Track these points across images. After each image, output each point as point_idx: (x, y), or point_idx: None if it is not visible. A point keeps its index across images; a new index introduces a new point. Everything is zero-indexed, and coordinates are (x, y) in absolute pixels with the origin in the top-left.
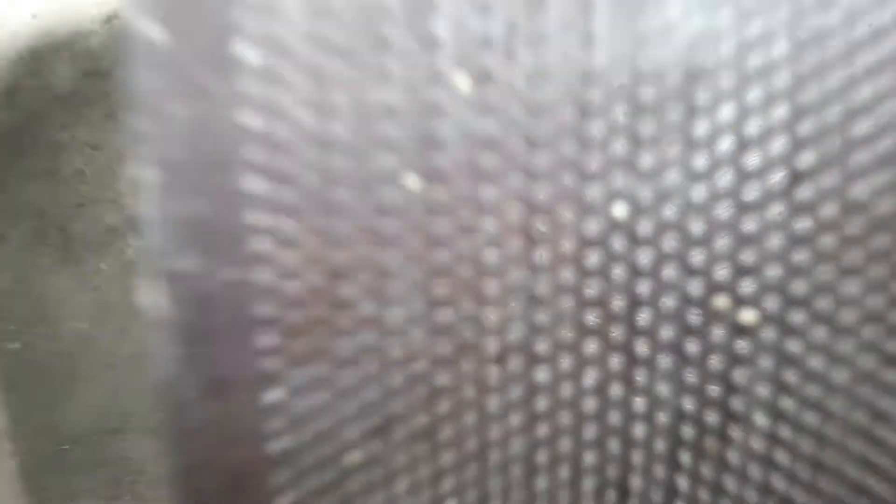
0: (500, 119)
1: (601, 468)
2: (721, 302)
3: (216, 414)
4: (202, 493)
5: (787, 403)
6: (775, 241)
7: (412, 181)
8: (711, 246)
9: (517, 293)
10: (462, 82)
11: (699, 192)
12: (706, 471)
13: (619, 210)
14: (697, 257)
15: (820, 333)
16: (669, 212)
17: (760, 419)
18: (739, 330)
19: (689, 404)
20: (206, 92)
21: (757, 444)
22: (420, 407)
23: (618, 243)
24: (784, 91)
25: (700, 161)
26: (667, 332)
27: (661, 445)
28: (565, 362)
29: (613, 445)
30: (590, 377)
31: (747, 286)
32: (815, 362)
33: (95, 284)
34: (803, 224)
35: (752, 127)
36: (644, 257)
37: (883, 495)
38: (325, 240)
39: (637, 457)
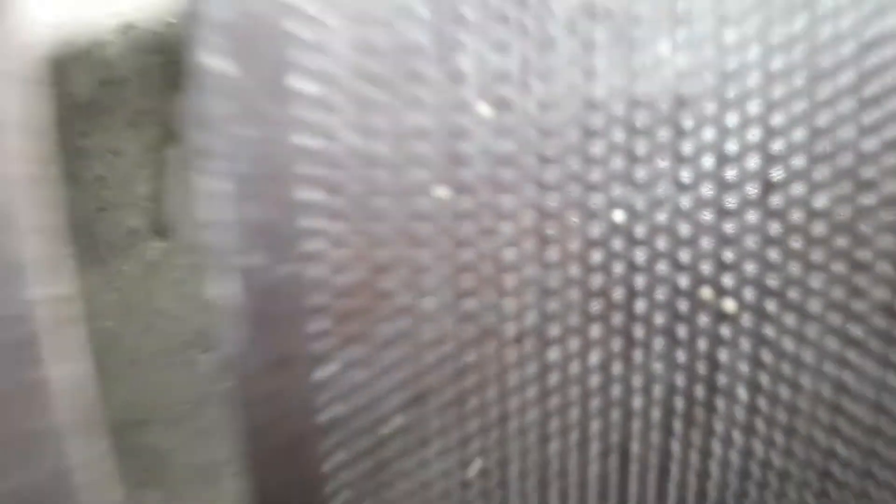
0: (516, 140)
1: (605, 434)
2: (706, 293)
3: (275, 388)
4: (262, 457)
5: (764, 379)
6: (751, 242)
7: (442, 192)
8: (697, 246)
9: (532, 285)
10: (484, 109)
11: (686, 201)
12: (695, 437)
13: (618, 216)
14: (685, 255)
15: (791, 320)
16: (661, 217)
17: (741, 392)
18: (722, 317)
19: (680, 380)
20: (267, 117)
21: (739, 413)
22: (449, 382)
23: (617, 244)
24: (757, 117)
25: (686, 175)
26: (660, 319)
27: (656, 415)
28: (573, 344)
29: (615, 415)
30: (594, 356)
31: (728, 280)
32: (787, 344)
33: (118, 285)
34: (775, 227)
35: (731, 146)
36: (640, 255)
37: (848, 457)
38: (369, 240)
39: (636, 425)
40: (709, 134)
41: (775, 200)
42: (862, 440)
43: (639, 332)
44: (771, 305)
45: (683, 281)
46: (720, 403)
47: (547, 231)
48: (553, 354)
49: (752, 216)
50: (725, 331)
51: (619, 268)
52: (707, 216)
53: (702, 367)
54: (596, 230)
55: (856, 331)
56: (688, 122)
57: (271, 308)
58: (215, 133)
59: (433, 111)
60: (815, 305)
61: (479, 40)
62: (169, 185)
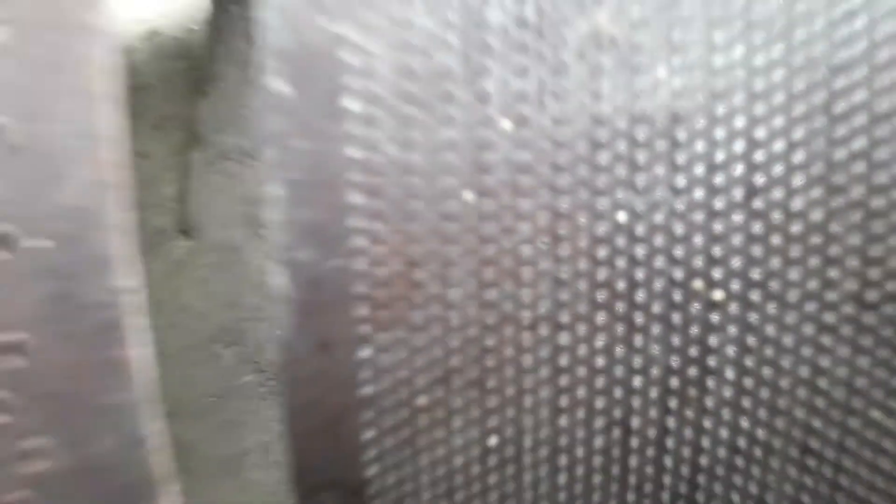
0: (532, 151)
1: (609, 410)
2: (698, 284)
3: (321, 367)
4: (308, 428)
5: (749, 361)
6: (737, 240)
7: (468, 196)
8: (690, 243)
9: (545, 277)
10: (505, 124)
11: (680, 203)
12: (689, 413)
13: (621, 216)
14: (679, 251)
15: (772, 308)
16: (658, 218)
17: (729, 373)
18: (712, 305)
19: (675, 361)
20: (321, 132)
21: (727, 392)
22: (472, 362)
23: (620, 241)
24: (741, 131)
25: (680, 181)
26: (657, 307)
27: (654, 393)
28: (581, 329)
29: (618, 393)
30: (600, 340)
31: (717, 272)
32: (770, 330)
33: (146, 283)
34: (758, 227)
35: (719, 156)
36: (640, 251)
37: (824, 431)
38: (404, 238)
39: (636, 402)
40: (700, 146)
41: (758, 203)
42: (836, 416)
43: (639, 318)
44: (755, 295)
45: (678, 274)
46: (711, 383)
47: (559, 230)
48: (564, 338)
49: (737, 217)
50: (715, 318)
51: (621, 262)
52: (698, 217)
53: (694, 350)
54: (602, 229)
55: (829, 318)
56: (682, 136)
57: (319, 297)
58: (274, 146)
59: (462, 126)
60: (793, 295)
61: (501, 66)
62: (193, 186)
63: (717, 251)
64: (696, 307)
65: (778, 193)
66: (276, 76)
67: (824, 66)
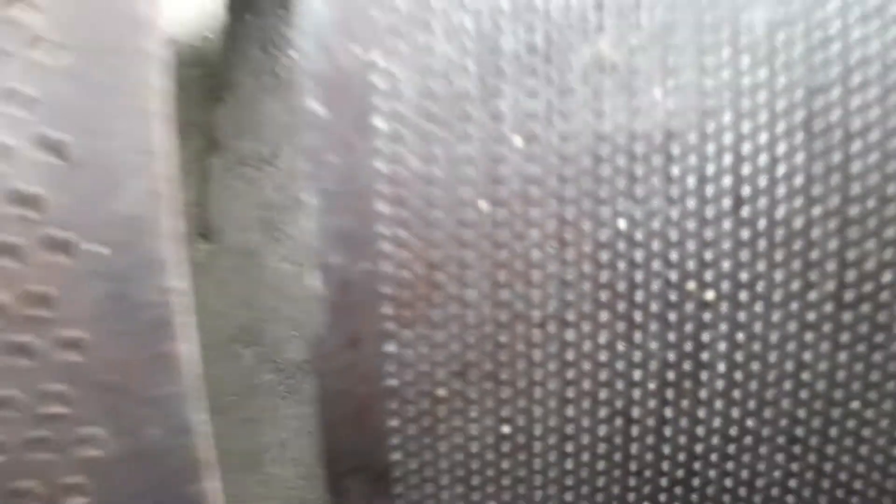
0: (541, 165)
1: (611, 401)
2: (691, 285)
3: (350, 360)
4: (337, 417)
5: (739, 355)
6: (727, 245)
7: (483, 205)
8: (684, 247)
9: (553, 279)
10: (517, 141)
11: (675, 212)
12: (685, 403)
13: (622, 224)
14: (674, 255)
15: (759, 307)
16: (655, 225)
17: (721, 366)
18: (704, 304)
19: (671, 356)
20: (351, 147)
21: (719, 384)
22: (487, 357)
23: (621, 246)
24: (729, 146)
25: (675, 191)
26: (655, 306)
27: (652, 385)
28: (586, 327)
29: (619, 385)
30: (602, 337)
31: (709, 274)
32: (757, 327)
33: None
34: (745, 233)
35: (710, 169)
36: (639, 255)
37: (808, 421)
38: (426, 243)
39: (636, 393)
40: (692, 160)
41: (745, 212)
42: (819, 407)
43: (638, 317)
44: (743, 295)
45: (673, 276)
46: (704, 376)
47: (565, 236)
48: (570, 335)
49: (726, 224)
50: (707, 316)
51: (622, 265)
52: (691, 224)
53: (689, 346)
54: (604, 235)
55: (811, 316)
56: (675, 151)
57: (348, 297)
58: (307, 159)
59: (478, 142)
60: (778, 295)
61: (514, 88)
62: (212, 191)
63: (708, 255)
64: (689, 306)
65: (763, 203)
66: (311, 97)
67: (803, 88)
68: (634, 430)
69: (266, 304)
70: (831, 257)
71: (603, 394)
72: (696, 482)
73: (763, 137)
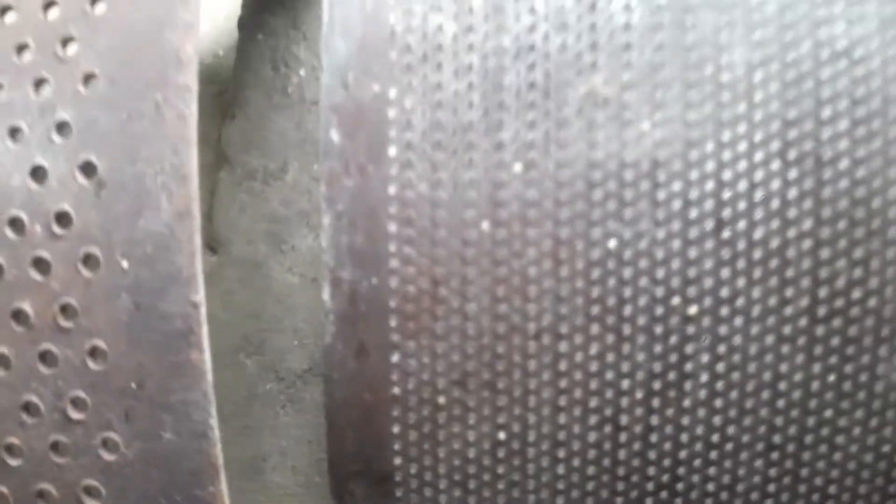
0: (539, 189)
1: (601, 409)
2: (675, 301)
3: (358, 369)
4: (344, 422)
5: (720, 367)
6: (709, 263)
7: (485, 225)
8: (669, 266)
9: (548, 294)
10: (517, 167)
11: (661, 233)
12: (670, 412)
13: (612, 243)
14: (660, 273)
15: (739, 321)
16: (643, 245)
17: (703, 377)
18: (688, 319)
19: (657, 367)
20: (366, 173)
21: (702, 393)
22: (485, 367)
23: (611, 264)
24: (711, 173)
25: (661, 214)
26: (642, 320)
27: (639, 394)
28: (578, 339)
29: (609, 394)
30: (593, 348)
31: (692, 291)
32: (737, 340)
33: None
34: (726, 253)
35: (693, 194)
36: (627, 273)
37: (785, 428)
38: (431, 260)
39: (624, 402)
40: (677, 185)
41: (725, 233)
42: (795, 415)
43: (626, 329)
44: (724, 310)
45: (659, 292)
46: (688, 385)
47: (560, 254)
48: (563, 346)
49: (708, 244)
50: (690, 329)
51: (612, 282)
52: (676, 244)
53: (673, 357)
54: (595, 254)
55: (787, 330)
56: (662, 177)
57: (357, 309)
58: (325, 183)
59: (481, 169)
60: (756, 310)
61: (515, 120)
62: (221, 204)
63: (691, 273)
64: (674, 320)
65: (742, 225)
66: (331, 127)
67: (779, 121)
68: (622, 437)
69: (271, 315)
70: (805, 275)
71: (593, 402)
72: (680, 486)
73: (742, 165)
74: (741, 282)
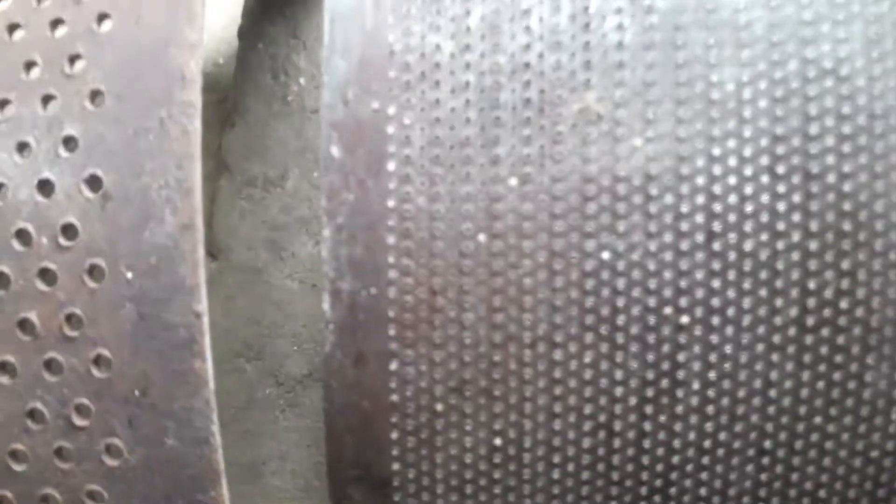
0: (534, 203)
1: (595, 415)
2: (667, 310)
3: (357, 377)
4: (343, 428)
5: (712, 374)
6: (700, 274)
7: (482, 238)
8: (661, 276)
9: (543, 304)
10: (513, 181)
11: (653, 245)
12: (662, 418)
13: (606, 255)
14: (653, 283)
15: (729, 330)
16: (635, 256)
17: (695, 384)
18: (680, 328)
19: (650, 374)
20: (366, 187)
21: (694, 400)
22: (482, 375)
23: (605, 275)
24: (702, 187)
25: (653, 227)
26: (635, 329)
27: (633, 401)
28: (573, 347)
29: (603, 400)
30: (587, 357)
31: (683, 301)
32: (728, 348)
33: None
34: (716, 264)
35: (684, 207)
36: (620, 283)
37: (775, 434)
38: (429, 271)
39: (618, 408)
40: (668, 199)
41: (716, 245)
42: (785, 421)
43: (620, 338)
44: (715, 320)
45: (652, 301)
46: (680, 393)
47: (555, 266)
48: (558, 355)
49: (699, 256)
50: (682, 338)
51: (605, 292)
52: (668, 256)
53: (666, 365)
54: (589, 265)
55: (776, 339)
56: (654, 191)
57: (356, 319)
58: (325, 197)
59: (478, 183)
60: (746, 320)
61: (510, 135)
62: (221, 211)
63: (683, 284)
64: (666, 330)
65: (732, 237)
66: (332, 143)
67: (768, 136)
68: (616, 443)
69: (270, 321)
70: (794, 286)
71: (587, 409)
72: (673, 491)
73: (732, 180)
74: (732, 292)
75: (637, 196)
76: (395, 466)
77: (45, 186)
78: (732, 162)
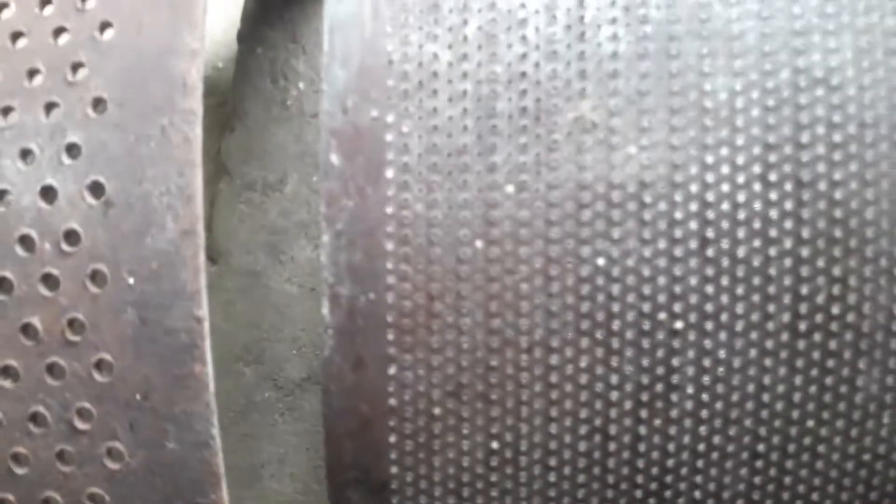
0: (530, 209)
1: (591, 419)
2: (662, 316)
3: (355, 381)
4: (342, 432)
5: (706, 379)
6: (693, 280)
7: (479, 244)
8: (655, 282)
9: (539, 309)
10: (509, 189)
11: (647, 251)
12: (657, 422)
13: (601, 261)
14: (647, 289)
15: (723, 335)
16: (630, 262)
17: (690, 388)
18: (674, 333)
19: (645, 379)
20: (364, 194)
21: (688, 404)
22: (479, 379)
23: (600, 280)
24: (696, 194)
25: (647, 233)
26: (630, 334)
27: (628, 405)
28: (569, 352)
29: (598, 405)
30: (583, 361)
31: (678, 306)
32: (721, 353)
33: None
34: (710, 270)
35: (678, 214)
36: (615, 289)
37: (768, 437)
38: (426, 277)
39: (613, 412)
40: (662, 206)
41: (709, 252)
42: (778, 425)
43: (615, 343)
44: (709, 325)
45: (646, 307)
46: (674, 397)
47: (551, 272)
48: (554, 359)
49: (693, 262)
50: (677, 343)
51: (601, 298)
52: (662, 262)
53: (660, 370)
54: (585, 271)
55: (769, 344)
56: (648, 198)
57: (355, 324)
58: (324, 203)
59: (475, 190)
60: (739, 325)
61: (507, 143)
62: (220, 215)
63: (677, 289)
64: (661, 335)
65: (725, 244)
66: (331, 151)
67: (760, 145)
68: (611, 446)
69: (269, 324)
70: (786, 292)
71: (583, 413)
72: (667, 494)
73: (725, 187)
74: (725, 298)
75: (631, 203)
76: (394, 470)
77: (48, 193)
78: (725, 170)
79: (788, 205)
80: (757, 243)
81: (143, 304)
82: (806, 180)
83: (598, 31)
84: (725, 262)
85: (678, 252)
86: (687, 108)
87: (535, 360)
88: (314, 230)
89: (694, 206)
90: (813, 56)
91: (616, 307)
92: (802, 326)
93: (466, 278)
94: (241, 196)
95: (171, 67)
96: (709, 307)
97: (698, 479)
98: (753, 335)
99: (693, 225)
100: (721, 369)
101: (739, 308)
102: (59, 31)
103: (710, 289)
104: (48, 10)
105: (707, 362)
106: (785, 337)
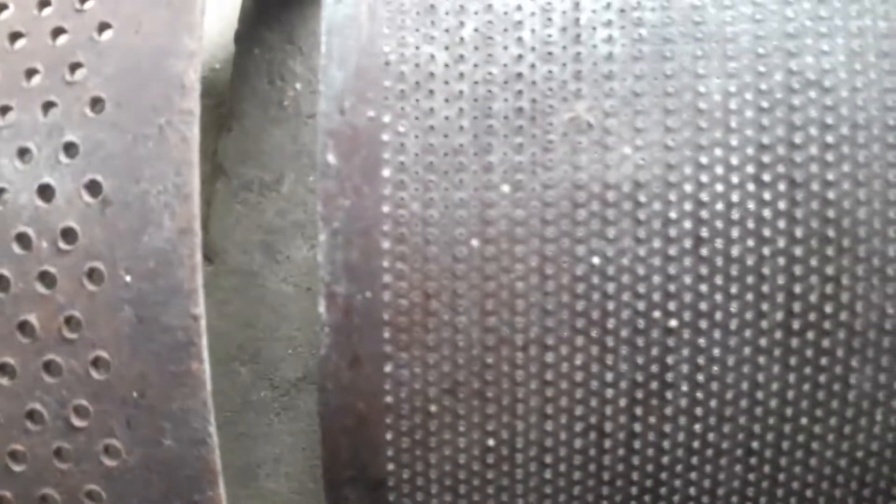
0: (526, 209)
1: (586, 417)
2: (657, 314)
3: (353, 379)
4: (339, 429)
5: (700, 376)
6: (688, 279)
7: (474, 243)
8: (650, 281)
9: (535, 308)
10: (505, 188)
11: (642, 250)
12: (652, 419)
13: (595, 260)
14: (642, 287)
15: (717, 333)
16: (625, 261)
17: (684, 386)
18: (668, 331)
19: (639, 376)
20: (361, 193)
21: (682, 402)
22: (475, 377)
23: (595, 279)
24: (690, 194)
25: (642, 233)
26: (625, 332)
27: (622, 402)
28: (564, 350)
29: (593, 402)
30: (578, 359)
31: (672, 305)
32: (716, 351)
33: None
34: (704, 269)
35: (672, 213)
36: (610, 288)
37: (762, 435)
38: (423, 276)
39: (608, 410)
40: (657, 205)
41: (703, 251)
42: (772, 422)
43: (610, 341)
44: (703, 323)
45: (641, 305)
46: (669, 394)
47: (546, 270)
48: (549, 357)
49: (687, 261)
50: (671, 341)
51: (596, 296)
52: (656, 261)
53: (655, 368)
54: (580, 270)
55: (763, 342)
56: (642, 198)
57: (352, 322)
58: (321, 202)
59: (471, 189)
60: (733, 323)
61: (503, 143)
62: (216, 214)
63: (671, 288)
64: (655, 333)
65: (719, 243)
66: (328, 151)
67: (754, 145)
68: (607, 444)
69: (265, 324)
70: (780, 291)
71: (578, 410)
72: (662, 491)
73: (719, 187)
74: (719, 296)
75: (626, 203)
76: (390, 467)
77: (45, 191)
78: (719, 170)
79: (782, 205)
80: (751, 242)
81: (140, 301)
82: (799, 180)
83: (594, 34)
84: (719, 261)
85: (672, 251)
86: (681, 110)
87: (531, 357)
88: (310, 230)
89: (688, 206)
90: (806, 58)
91: (611, 305)
92: (796, 325)
93: (462, 276)
94: (238, 196)
95: (168, 68)
96: (703, 305)
97: (693, 476)
98: (747, 333)
99: (687, 224)
100: (715, 367)
101: (733, 306)
102: (57, 32)
103: (704, 287)
104: (47, 10)
105: (701, 360)
106: (778, 335)
